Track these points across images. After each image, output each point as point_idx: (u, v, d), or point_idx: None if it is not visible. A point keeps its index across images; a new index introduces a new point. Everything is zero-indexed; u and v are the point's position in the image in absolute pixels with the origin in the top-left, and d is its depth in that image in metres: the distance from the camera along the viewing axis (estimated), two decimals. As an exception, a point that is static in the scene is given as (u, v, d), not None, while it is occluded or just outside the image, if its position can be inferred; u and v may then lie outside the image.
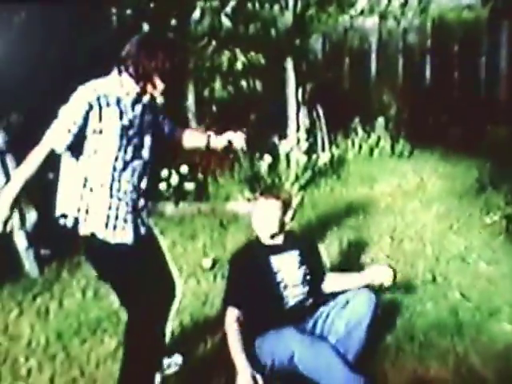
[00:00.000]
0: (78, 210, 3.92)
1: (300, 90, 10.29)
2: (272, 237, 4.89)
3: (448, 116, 12.42)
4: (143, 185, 4.13)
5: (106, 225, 3.93)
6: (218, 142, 4.69)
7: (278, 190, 5.24)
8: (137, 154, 4.03)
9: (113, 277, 4.15)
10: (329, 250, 6.95)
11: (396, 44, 13.97)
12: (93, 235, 3.93)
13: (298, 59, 10.23)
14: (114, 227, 3.95)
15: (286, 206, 4.89)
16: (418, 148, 11.34)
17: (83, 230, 3.92)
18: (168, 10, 9.61)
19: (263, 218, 4.85)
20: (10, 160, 6.74)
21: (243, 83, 9.64)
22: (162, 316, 4.50)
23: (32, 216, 6.81)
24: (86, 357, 4.95)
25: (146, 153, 4.11)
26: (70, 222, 3.94)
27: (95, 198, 3.92)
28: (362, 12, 11.79)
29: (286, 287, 4.78)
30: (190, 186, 8.92)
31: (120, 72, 3.97)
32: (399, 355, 4.75)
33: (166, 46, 4.01)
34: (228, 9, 9.44)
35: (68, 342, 5.20)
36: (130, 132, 3.96)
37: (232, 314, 4.70)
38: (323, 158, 10.32)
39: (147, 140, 4.12)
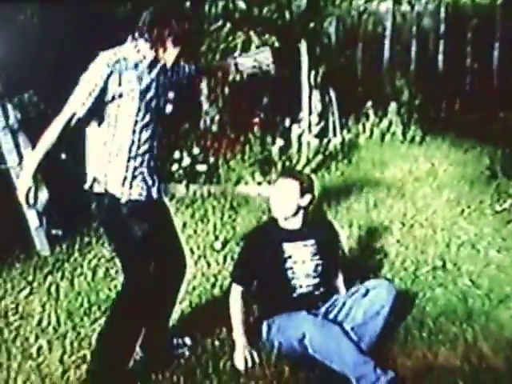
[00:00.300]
0: (101, 173, 4.07)
1: (313, 74, 10.27)
2: (288, 219, 4.89)
3: (460, 102, 12.39)
4: (158, 147, 4.24)
5: (123, 184, 4.05)
6: (245, 64, 4.79)
7: (298, 172, 5.18)
8: (154, 117, 4.13)
9: (122, 236, 4.23)
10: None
11: (410, 29, 13.93)
12: (108, 193, 4.06)
13: (311, 42, 10.19)
14: (130, 186, 4.07)
15: (304, 188, 4.86)
16: (429, 134, 11.31)
17: (99, 189, 4.08)
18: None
19: (279, 198, 4.84)
20: (22, 139, 6.75)
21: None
22: (164, 285, 4.56)
23: (44, 195, 6.82)
24: (97, 336, 4.99)
25: (162, 115, 4.22)
26: (92, 184, 4.12)
27: (114, 160, 4.05)
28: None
29: (295, 275, 4.79)
30: (201, 167, 8.93)
31: (135, 39, 4.08)
32: (408, 341, 4.76)
33: (179, 14, 4.11)
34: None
35: (78, 322, 5.23)
36: (148, 96, 4.07)
37: (236, 290, 4.75)
38: (334, 142, 10.32)
39: (163, 103, 4.22)
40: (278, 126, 10.16)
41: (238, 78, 9.38)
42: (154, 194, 4.21)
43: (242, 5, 9.49)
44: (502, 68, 13.60)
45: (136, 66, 4.02)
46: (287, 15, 10.08)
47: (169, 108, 4.23)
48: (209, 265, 6.32)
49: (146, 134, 4.10)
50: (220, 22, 9.58)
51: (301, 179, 4.86)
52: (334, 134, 10.82)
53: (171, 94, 4.26)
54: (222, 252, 6.60)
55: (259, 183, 8.69)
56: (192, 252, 6.51)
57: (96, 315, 5.34)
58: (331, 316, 4.68)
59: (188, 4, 9.68)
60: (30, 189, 3.92)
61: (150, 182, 4.19)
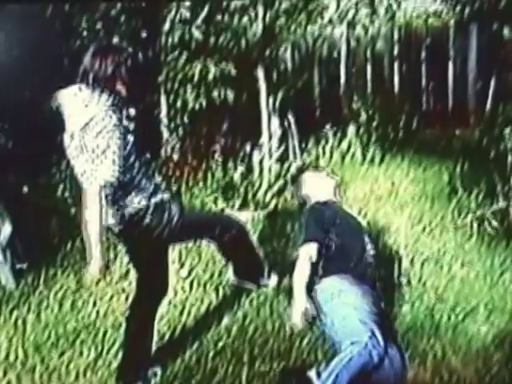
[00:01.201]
0: None
1: (271, 99, 10.31)
2: None
3: (417, 121, 12.51)
4: None
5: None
6: None
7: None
8: None
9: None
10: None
11: (364, 52, 14.07)
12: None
13: (268, 69, 10.26)
14: None
15: None
16: (388, 153, 11.37)
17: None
18: (138, 23, 9.63)
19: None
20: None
21: (215, 93, 9.65)
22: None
23: (7, 229, 6.78)
24: (65, 369, 4.95)
25: None
26: None
27: None
28: (330, 21, 11.84)
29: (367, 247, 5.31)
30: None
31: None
32: (378, 357, 4.79)
33: (116, 51, 4.22)
34: (198, 20, 9.45)
35: (46, 355, 5.19)
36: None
37: (307, 250, 5.22)
38: (295, 165, 10.35)
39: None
40: (239, 152, 10.19)
41: (197, 106, 9.43)
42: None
43: (197, 34, 9.53)
44: (456, 86, 13.79)
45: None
46: (243, 43, 10.14)
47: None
48: (175, 292, 6.31)
49: None
50: (177, 52, 9.61)
51: None
52: (295, 158, 10.85)
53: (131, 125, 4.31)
54: (188, 279, 6.59)
55: (222, 209, 8.71)
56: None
57: (64, 347, 5.31)
58: None
59: (144, 35, 9.74)
60: None
61: None
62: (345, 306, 4.79)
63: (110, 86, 4.15)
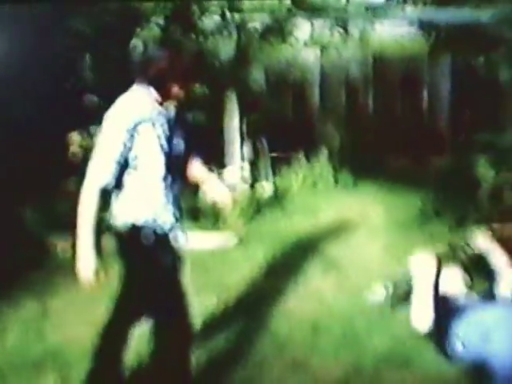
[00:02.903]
0: None
1: (244, 122, 10.28)
2: None
3: (391, 147, 12.53)
4: None
5: None
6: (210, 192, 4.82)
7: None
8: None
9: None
10: (275, 282, 6.94)
11: (338, 76, 14.07)
12: None
13: (241, 91, 10.22)
14: None
15: None
16: (361, 179, 11.38)
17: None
18: (111, 40, 9.56)
19: None
20: None
21: (188, 115, 9.58)
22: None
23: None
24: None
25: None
26: None
27: None
28: (304, 44, 11.84)
29: None
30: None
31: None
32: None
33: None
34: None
35: (10, 381, 5.07)
36: None
37: None
38: (267, 189, 10.31)
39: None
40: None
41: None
42: None
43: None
44: (430, 112, 13.82)
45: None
46: (217, 64, 10.11)
47: None
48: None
49: None
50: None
51: None
52: (267, 181, 10.82)
53: None
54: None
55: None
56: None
57: (28, 374, 5.17)
58: None
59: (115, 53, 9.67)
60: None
61: None
62: None
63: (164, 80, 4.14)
